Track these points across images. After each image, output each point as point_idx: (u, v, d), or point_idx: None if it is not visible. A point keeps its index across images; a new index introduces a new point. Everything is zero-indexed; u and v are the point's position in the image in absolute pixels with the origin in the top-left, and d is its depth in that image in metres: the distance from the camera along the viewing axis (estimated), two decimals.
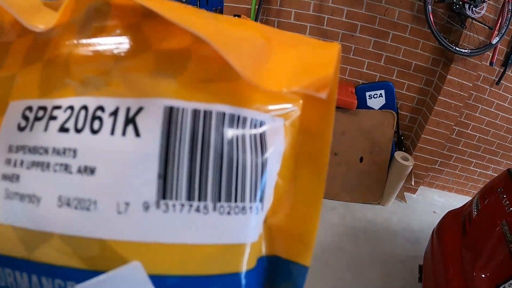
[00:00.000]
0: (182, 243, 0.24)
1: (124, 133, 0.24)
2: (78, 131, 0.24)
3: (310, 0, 2.66)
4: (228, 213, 0.25)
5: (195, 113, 0.25)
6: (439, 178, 3.20)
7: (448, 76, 2.58)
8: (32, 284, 0.25)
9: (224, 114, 0.25)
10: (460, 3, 2.33)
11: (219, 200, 0.25)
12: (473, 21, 2.42)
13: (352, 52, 2.76)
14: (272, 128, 0.27)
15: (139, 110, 0.24)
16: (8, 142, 0.26)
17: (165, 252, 0.24)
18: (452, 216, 1.96)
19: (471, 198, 1.91)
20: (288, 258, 0.29)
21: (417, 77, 2.78)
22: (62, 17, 0.25)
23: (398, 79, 2.79)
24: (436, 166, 3.06)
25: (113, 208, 0.24)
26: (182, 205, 0.24)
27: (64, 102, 0.25)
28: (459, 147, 3.02)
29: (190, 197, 0.24)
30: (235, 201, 0.26)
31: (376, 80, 2.82)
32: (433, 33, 2.39)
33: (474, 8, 2.35)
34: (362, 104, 2.68)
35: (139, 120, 0.24)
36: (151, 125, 0.24)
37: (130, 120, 0.24)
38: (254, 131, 0.27)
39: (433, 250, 1.88)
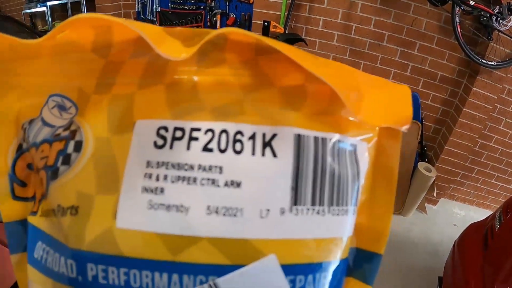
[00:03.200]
0: (306, 238, 0.31)
1: (263, 154, 0.30)
2: (222, 151, 0.30)
3: (339, 8, 2.67)
4: (337, 214, 0.33)
5: (316, 139, 0.32)
6: (460, 191, 3.18)
7: (474, 88, 2.57)
8: (171, 283, 0.29)
9: (335, 140, 0.33)
10: (488, 15, 2.33)
11: (332, 205, 0.32)
12: (500, 34, 2.42)
13: (378, 62, 2.76)
14: (361, 150, 0.35)
15: (274, 136, 0.31)
16: (146, 158, 0.30)
17: (294, 245, 0.30)
18: (474, 229, 1.94)
19: (493, 211, 1.89)
20: (368, 248, 0.37)
21: (442, 88, 2.77)
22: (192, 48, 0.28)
23: (424, 90, 2.79)
24: (458, 179, 3.04)
25: (257, 214, 0.29)
26: (308, 209, 0.31)
27: (203, 125, 0.30)
28: (482, 160, 3.00)
29: (313, 203, 0.31)
30: (342, 205, 0.33)
31: None
32: (460, 45, 2.39)
33: (501, 21, 2.35)
34: None
35: (274, 144, 0.31)
36: (285, 148, 0.31)
37: (267, 144, 0.31)
38: (351, 152, 0.34)
39: (454, 262, 1.86)
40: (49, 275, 0.29)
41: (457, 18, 2.36)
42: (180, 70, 0.31)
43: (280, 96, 0.32)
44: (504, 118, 2.80)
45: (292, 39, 2.66)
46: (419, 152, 2.83)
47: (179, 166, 0.29)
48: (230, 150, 0.30)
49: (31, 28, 2.86)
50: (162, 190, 0.29)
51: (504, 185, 3.12)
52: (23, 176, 0.30)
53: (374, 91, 0.33)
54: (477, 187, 3.15)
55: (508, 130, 2.85)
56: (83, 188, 0.28)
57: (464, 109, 2.65)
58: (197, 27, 3.08)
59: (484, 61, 2.39)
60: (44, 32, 3.45)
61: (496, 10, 2.32)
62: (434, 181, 2.70)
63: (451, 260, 1.93)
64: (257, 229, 0.29)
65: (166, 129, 0.29)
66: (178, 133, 0.30)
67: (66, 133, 0.28)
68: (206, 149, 0.29)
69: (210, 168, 0.29)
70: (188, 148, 0.30)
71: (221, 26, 2.98)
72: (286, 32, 2.67)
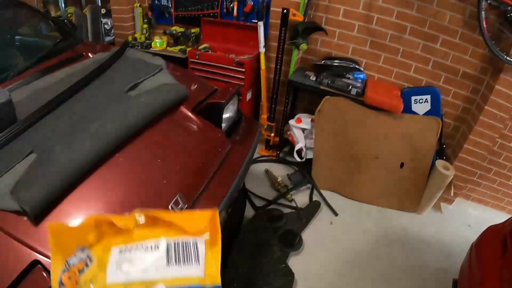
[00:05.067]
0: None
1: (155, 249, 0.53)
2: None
3: None
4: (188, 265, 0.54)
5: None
6: (476, 191, 3.09)
7: (496, 86, 2.48)
8: None
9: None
10: None
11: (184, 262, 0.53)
12: None
13: (400, 54, 2.68)
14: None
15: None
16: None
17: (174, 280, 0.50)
18: (492, 232, 1.87)
19: (509, 214, 1.82)
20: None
21: (463, 85, 2.68)
22: None
23: (445, 85, 2.70)
24: (475, 178, 2.95)
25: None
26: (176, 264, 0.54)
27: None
28: (500, 160, 2.91)
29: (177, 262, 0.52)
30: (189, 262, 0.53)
31: (422, 85, 2.74)
32: (484, 40, 2.31)
33: None
34: (407, 108, 2.59)
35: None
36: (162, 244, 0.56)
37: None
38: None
39: (471, 265, 1.81)
40: None
41: (483, 12, 2.27)
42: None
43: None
44: None
45: (311, 27, 2.59)
46: (438, 150, 2.75)
47: None
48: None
49: (44, 14, 2.81)
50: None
51: None
52: None
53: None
54: (494, 188, 3.06)
55: None
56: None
57: (485, 107, 2.56)
58: (213, 14, 3.00)
59: (508, 58, 2.31)
60: (57, 18, 3.39)
61: None
62: (452, 180, 2.62)
63: (468, 263, 1.86)
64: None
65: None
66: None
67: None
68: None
69: None
70: None
71: (238, 13, 2.91)
72: (305, 20, 2.59)
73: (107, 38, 3.66)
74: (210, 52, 2.99)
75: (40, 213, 1.08)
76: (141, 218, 0.46)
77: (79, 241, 0.43)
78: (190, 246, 0.43)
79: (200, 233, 0.44)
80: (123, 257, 0.40)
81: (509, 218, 1.83)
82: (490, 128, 2.62)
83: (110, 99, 1.60)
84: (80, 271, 0.40)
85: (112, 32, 3.59)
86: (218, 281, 0.41)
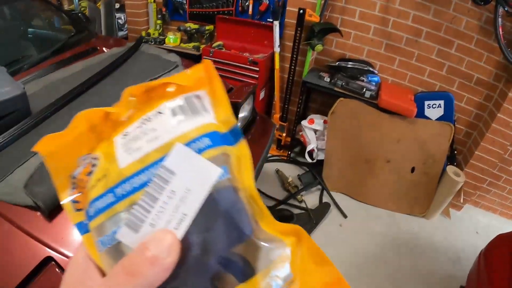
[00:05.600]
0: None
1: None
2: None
3: (377, 0, 2.58)
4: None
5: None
6: (485, 198, 3.09)
7: (510, 94, 2.47)
8: None
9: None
10: None
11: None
12: None
13: (414, 58, 2.68)
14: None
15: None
16: None
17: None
18: (502, 240, 1.88)
19: None
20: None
21: (477, 91, 2.68)
22: None
23: (458, 91, 2.70)
24: (485, 185, 2.95)
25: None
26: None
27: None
28: (510, 168, 2.91)
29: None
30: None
31: (436, 90, 2.73)
32: (500, 47, 2.31)
33: None
34: (420, 113, 2.59)
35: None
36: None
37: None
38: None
39: (479, 273, 1.81)
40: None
41: (500, 19, 2.26)
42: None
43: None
44: None
45: (327, 28, 2.58)
46: (449, 155, 2.74)
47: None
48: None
49: (57, 7, 2.81)
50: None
51: None
52: None
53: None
54: (503, 196, 3.05)
55: None
56: None
57: (498, 114, 2.55)
58: (228, 12, 3.00)
59: None
60: (71, 11, 3.40)
61: None
62: (462, 186, 2.62)
63: (476, 271, 1.87)
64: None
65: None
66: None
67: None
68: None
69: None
70: None
71: (253, 12, 2.91)
72: (321, 21, 2.59)
73: (120, 33, 3.67)
74: (224, 50, 2.99)
75: (53, 208, 1.06)
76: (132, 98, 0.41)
77: (79, 152, 0.41)
78: (193, 99, 0.40)
79: (199, 87, 0.42)
80: (128, 139, 0.38)
81: None
82: (503, 135, 2.61)
83: None
84: (89, 173, 0.39)
85: (125, 27, 3.60)
86: (233, 121, 0.39)
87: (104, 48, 2.13)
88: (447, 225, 2.85)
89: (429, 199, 2.75)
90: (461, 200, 2.89)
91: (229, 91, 2.00)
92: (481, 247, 2.62)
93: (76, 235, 1.05)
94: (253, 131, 1.97)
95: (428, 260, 2.47)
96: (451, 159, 2.76)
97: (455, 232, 2.80)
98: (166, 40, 3.17)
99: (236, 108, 1.76)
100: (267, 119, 2.30)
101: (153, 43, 3.12)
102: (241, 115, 1.84)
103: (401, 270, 2.34)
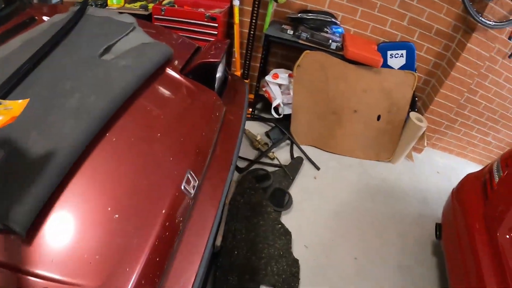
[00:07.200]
0: None
1: None
2: None
3: None
4: None
5: None
6: (442, 140, 3.28)
7: (468, 44, 2.57)
8: None
9: None
10: None
11: None
12: None
13: (376, 9, 2.66)
14: None
15: None
16: None
17: None
18: (471, 180, 2.00)
19: (490, 162, 1.95)
20: None
21: (436, 41, 2.76)
22: None
23: (419, 41, 2.76)
24: (442, 129, 3.11)
25: None
26: None
27: None
28: (465, 112, 3.10)
29: None
30: None
31: (397, 40, 2.76)
32: (462, 0, 2.35)
33: None
34: (383, 62, 2.61)
35: None
36: None
37: None
38: None
39: (454, 210, 1.93)
40: None
41: None
42: None
43: None
44: (490, 75, 2.88)
45: None
46: (410, 102, 2.83)
47: None
48: None
49: None
50: None
51: (483, 137, 3.28)
52: None
53: None
54: (458, 138, 3.27)
55: (493, 87, 2.95)
56: None
57: (457, 63, 2.67)
58: None
59: (483, 19, 2.38)
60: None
61: None
62: (424, 131, 2.73)
63: (451, 208, 1.98)
64: None
65: None
66: None
67: None
68: None
69: None
70: None
71: None
72: None
73: None
74: (176, 7, 2.78)
75: (30, 226, 0.81)
76: None
77: None
78: None
79: None
80: None
81: (486, 167, 1.96)
82: (461, 83, 2.75)
83: (83, 67, 1.32)
84: None
85: None
86: None
87: (43, 17, 1.86)
88: (411, 167, 3.02)
89: (394, 144, 2.87)
90: (425, 144, 3.05)
91: (196, 50, 1.88)
92: (443, 186, 2.82)
93: (68, 252, 0.83)
94: (229, 92, 1.87)
95: (400, 202, 2.61)
96: (412, 105, 2.85)
97: (418, 174, 2.97)
98: (109, 2, 2.85)
99: (213, 69, 1.65)
100: (239, 77, 2.22)
101: (93, 6, 2.81)
102: (217, 75, 1.73)
103: (378, 214, 2.44)
